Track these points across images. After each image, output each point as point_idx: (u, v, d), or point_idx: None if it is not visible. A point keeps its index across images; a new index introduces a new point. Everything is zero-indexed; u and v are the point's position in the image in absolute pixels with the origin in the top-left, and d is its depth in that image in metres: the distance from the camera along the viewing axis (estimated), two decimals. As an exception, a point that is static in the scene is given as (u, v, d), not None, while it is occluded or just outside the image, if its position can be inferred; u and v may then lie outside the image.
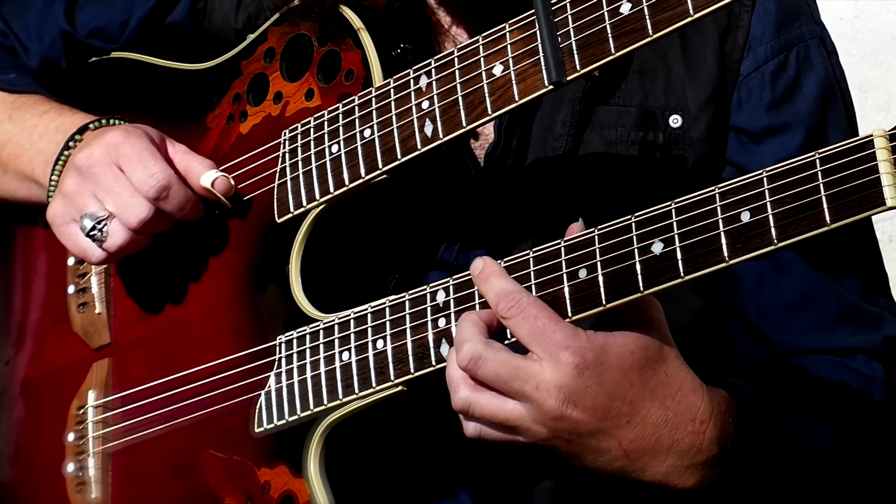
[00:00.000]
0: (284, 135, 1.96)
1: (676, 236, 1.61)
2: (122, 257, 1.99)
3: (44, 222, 2.08)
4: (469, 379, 1.67)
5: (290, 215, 1.92)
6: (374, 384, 1.79)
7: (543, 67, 1.73)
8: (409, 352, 1.77)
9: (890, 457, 1.91)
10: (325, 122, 1.92)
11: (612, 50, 1.69)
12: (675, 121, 1.96)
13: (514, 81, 1.77)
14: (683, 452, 1.67)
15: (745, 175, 1.58)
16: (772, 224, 1.55)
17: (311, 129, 1.93)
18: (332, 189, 1.89)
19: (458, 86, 1.81)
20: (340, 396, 1.82)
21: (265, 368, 1.90)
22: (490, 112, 1.78)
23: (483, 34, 1.81)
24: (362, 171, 1.87)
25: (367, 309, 1.82)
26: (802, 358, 1.95)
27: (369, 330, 1.81)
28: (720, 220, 1.58)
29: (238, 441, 1.91)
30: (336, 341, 1.84)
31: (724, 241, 1.58)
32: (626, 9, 1.68)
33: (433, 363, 1.75)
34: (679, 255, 1.60)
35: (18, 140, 2.13)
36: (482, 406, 1.66)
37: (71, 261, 2.16)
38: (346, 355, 1.83)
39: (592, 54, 1.71)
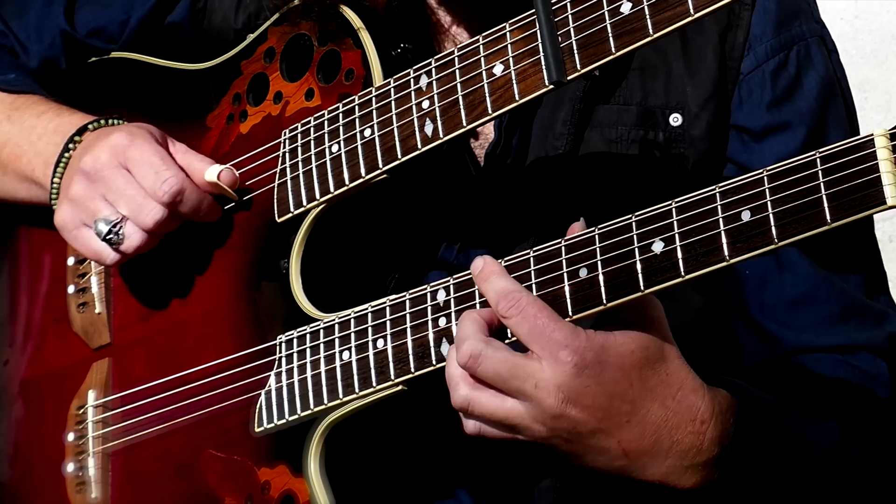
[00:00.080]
0: (284, 134, 1.96)
1: (677, 235, 1.60)
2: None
3: (44, 222, 2.08)
4: (469, 377, 1.67)
5: (290, 215, 1.92)
6: (374, 383, 1.79)
7: (544, 67, 1.73)
8: (410, 351, 1.77)
9: (892, 455, 1.91)
10: (326, 122, 1.92)
11: (613, 49, 1.69)
12: (675, 119, 1.96)
13: (514, 81, 1.77)
14: (683, 452, 1.67)
15: (746, 174, 1.58)
16: (772, 223, 1.55)
17: (312, 129, 1.93)
18: (332, 189, 1.89)
19: (459, 85, 1.81)
20: (341, 396, 1.82)
21: (265, 368, 1.90)
22: (490, 112, 1.78)
23: (483, 34, 1.81)
24: (362, 171, 1.87)
25: (367, 308, 1.82)
26: (805, 356, 1.95)
27: (369, 329, 1.81)
28: (720, 220, 1.58)
29: (238, 441, 1.91)
30: (336, 341, 1.84)
31: (724, 240, 1.58)
32: (626, 8, 1.68)
33: (433, 362, 1.75)
34: (679, 255, 1.60)
35: (17, 141, 2.13)
36: (482, 404, 1.66)
37: (71, 261, 2.16)
38: (346, 355, 1.82)
39: (593, 54, 1.71)
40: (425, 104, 1.83)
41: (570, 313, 1.66)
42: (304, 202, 1.91)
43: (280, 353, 1.89)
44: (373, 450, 1.93)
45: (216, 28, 2.15)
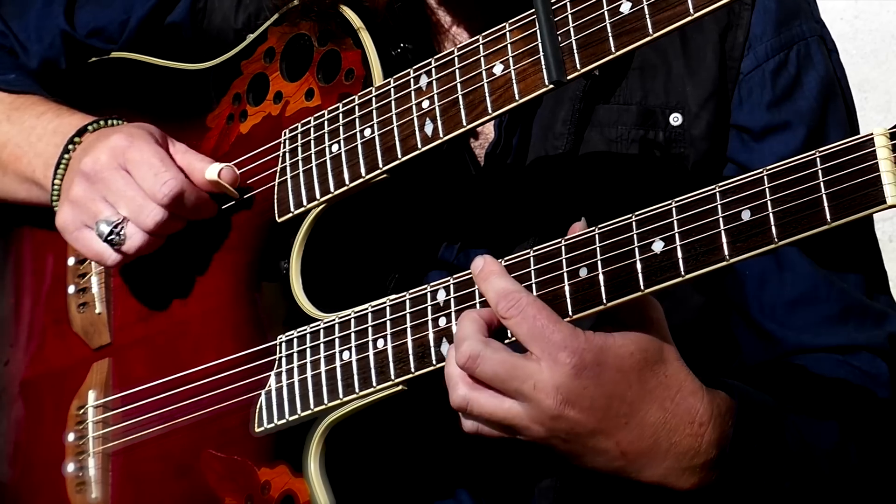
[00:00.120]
0: (284, 134, 1.96)
1: (677, 235, 1.60)
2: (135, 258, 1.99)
3: (44, 223, 2.08)
4: (467, 377, 1.67)
5: (290, 215, 1.92)
6: (374, 383, 1.79)
7: (544, 67, 1.73)
8: (410, 351, 1.77)
9: (892, 456, 1.90)
10: (326, 122, 1.92)
11: (613, 49, 1.69)
12: (675, 119, 1.96)
13: (514, 81, 1.77)
14: (681, 455, 1.67)
15: (746, 174, 1.58)
16: (772, 223, 1.55)
17: (312, 129, 1.93)
18: (332, 188, 1.89)
19: (459, 85, 1.81)
20: (341, 396, 1.82)
21: (265, 368, 1.90)
22: (490, 111, 1.78)
23: (483, 34, 1.81)
24: (363, 171, 1.87)
25: (367, 308, 1.82)
26: (805, 356, 1.94)
27: (370, 329, 1.81)
28: (720, 219, 1.58)
29: (238, 441, 1.91)
30: (336, 341, 1.84)
31: (724, 239, 1.57)
32: (626, 8, 1.68)
33: (434, 362, 1.75)
34: (679, 254, 1.60)
35: (17, 142, 2.13)
36: (480, 404, 1.67)
37: (71, 261, 2.16)
38: (346, 354, 1.82)
39: (593, 53, 1.71)
40: (425, 104, 1.83)
41: (571, 313, 1.66)
42: (305, 202, 1.91)
43: (280, 353, 1.89)
44: (373, 450, 1.92)
45: (216, 28, 2.15)
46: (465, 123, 1.80)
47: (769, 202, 1.55)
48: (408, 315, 1.78)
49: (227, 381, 1.94)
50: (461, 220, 1.97)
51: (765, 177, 1.56)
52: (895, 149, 1.49)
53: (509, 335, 1.69)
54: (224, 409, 1.93)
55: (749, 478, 1.73)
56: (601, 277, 1.65)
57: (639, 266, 1.62)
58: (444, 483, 1.96)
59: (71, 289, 2.15)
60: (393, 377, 1.78)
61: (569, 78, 1.72)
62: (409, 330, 1.78)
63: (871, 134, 1.51)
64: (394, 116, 1.85)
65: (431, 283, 1.77)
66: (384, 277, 1.95)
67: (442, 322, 1.75)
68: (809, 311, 1.95)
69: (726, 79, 1.98)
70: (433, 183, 1.97)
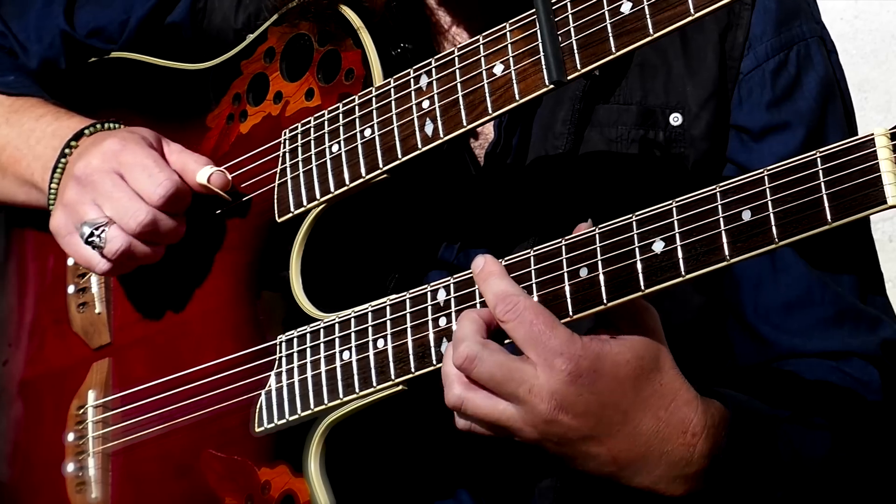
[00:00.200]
0: (284, 134, 1.96)
1: (677, 235, 1.60)
2: (131, 269, 1.98)
3: (43, 223, 2.08)
4: (463, 377, 1.67)
5: (290, 215, 1.92)
6: (374, 383, 1.79)
7: (544, 67, 1.73)
8: (410, 351, 1.77)
9: (884, 463, 1.91)
10: (326, 122, 1.92)
11: (613, 49, 1.69)
12: (675, 119, 1.96)
13: (514, 81, 1.77)
14: (673, 464, 1.68)
15: (746, 174, 1.58)
16: (773, 223, 1.55)
17: (312, 129, 1.93)
18: (332, 188, 1.89)
19: (459, 85, 1.81)
20: (341, 396, 1.82)
21: (265, 368, 1.90)
22: (490, 111, 1.78)
23: (483, 34, 1.80)
24: (363, 171, 1.87)
25: (367, 308, 1.82)
26: (798, 361, 1.95)
27: (370, 329, 1.81)
28: (721, 219, 1.58)
29: (238, 441, 1.91)
30: (336, 340, 1.84)
31: (724, 239, 1.58)
32: (626, 8, 1.68)
33: (434, 362, 1.75)
34: (680, 254, 1.60)
35: (16, 144, 2.13)
36: (475, 405, 1.67)
37: (71, 261, 2.15)
38: (346, 354, 1.82)
39: (593, 53, 1.71)
40: (425, 104, 1.83)
41: (571, 313, 1.66)
42: (305, 202, 1.91)
43: (280, 352, 1.89)
44: (373, 450, 1.92)
45: (216, 28, 2.15)
46: (465, 123, 1.80)
47: (770, 202, 1.55)
48: (408, 315, 1.78)
49: (227, 381, 1.94)
50: (461, 220, 1.97)
51: (765, 177, 1.56)
52: (895, 149, 1.49)
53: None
54: (224, 409, 1.93)
55: (741, 487, 1.73)
56: (601, 277, 1.65)
57: (639, 266, 1.62)
58: (444, 483, 1.96)
59: (71, 289, 2.15)
60: (393, 377, 1.78)
61: (569, 78, 1.72)
62: (409, 330, 1.78)
63: (872, 134, 1.51)
64: (394, 116, 1.85)
65: (431, 283, 1.77)
66: (384, 277, 1.95)
67: (442, 322, 1.75)
68: (804, 315, 1.95)
69: (726, 79, 1.98)
70: (433, 183, 1.96)
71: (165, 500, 1.99)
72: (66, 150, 2.04)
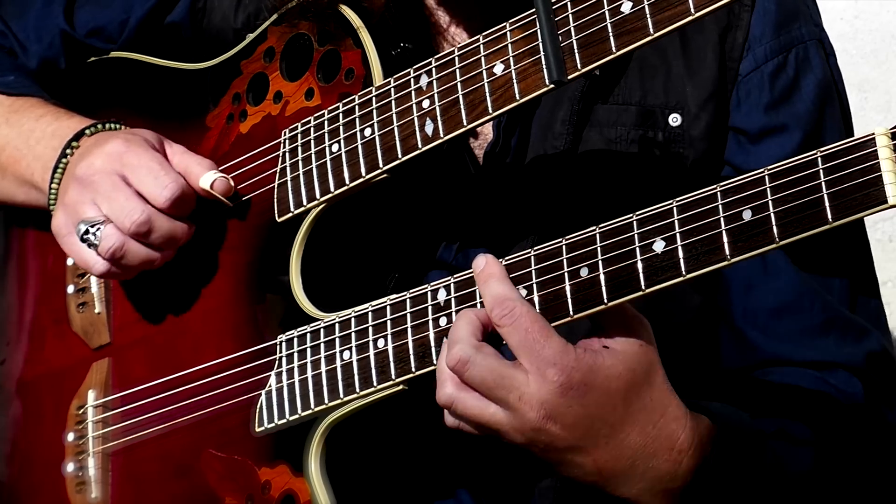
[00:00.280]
0: (284, 134, 1.96)
1: (678, 235, 1.60)
2: (133, 275, 1.98)
3: (42, 223, 2.08)
4: (456, 377, 1.67)
5: (290, 214, 1.92)
6: (375, 383, 1.79)
7: (544, 66, 1.73)
8: (411, 351, 1.77)
9: (865, 475, 1.91)
10: (326, 122, 1.92)
11: (613, 49, 1.69)
12: (674, 119, 1.96)
13: (514, 80, 1.76)
14: (657, 478, 1.68)
15: (747, 173, 1.58)
16: (773, 223, 1.55)
17: (312, 129, 1.93)
18: (332, 188, 1.89)
19: (459, 85, 1.81)
20: (341, 395, 1.82)
21: (265, 368, 1.90)
22: (491, 111, 1.78)
23: (483, 33, 1.80)
24: (363, 171, 1.87)
25: (367, 308, 1.82)
26: (783, 370, 1.95)
27: (370, 329, 1.81)
28: (722, 219, 1.58)
29: (238, 441, 1.90)
30: (337, 340, 1.84)
31: (725, 239, 1.57)
32: (626, 7, 1.68)
33: (434, 362, 1.74)
34: (681, 254, 1.60)
35: (16, 144, 2.13)
36: (465, 405, 1.67)
37: (70, 260, 2.15)
38: (346, 354, 1.82)
39: (593, 53, 1.71)
40: (425, 103, 1.83)
41: (572, 313, 1.66)
42: (305, 202, 1.91)
43: (280, 352, 1.89)
44: (373, 450, 1.92)
45: (216, 28, 2.15)
46: (465, 123, 1.80)
47: (770, 202, 1.55)
48: (408, 315, 1.78)
49: (227, 381, 1.94)
50: (460, 219, 1.97)
51: (766, 176, 1.56)
52: (895, 148, 1.49)
53: (507, 338, 1.69)
54: (224, 409, 1.93)
55: (725, 502, 1.74)
56: (602, 277, 1.65)
57: (640, 266, 1.62)
58: (444, 483, 1.96)
59: (70, 288, 2.15)
60: (394, 377, 1.78)
61: (569, 78, 1.72)
62: (409, 330, 1.78)
63: (873, 134, 1.51)
64: (394, 116, 1.85)
65: (432, 283, 1.77)
66: (384, 277, 1.95)
67: (443, 322, 1.75)
68: (791, 321, 1.95)
69: (726, 80, 1.97)
70: (432, 183, 1.96)
71: (165, 500, 1.99)
72: (67, 151, 2.04)
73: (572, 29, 1.72)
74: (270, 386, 1.89)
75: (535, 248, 1.70)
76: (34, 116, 2.13)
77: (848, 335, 1.96)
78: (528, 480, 1.94)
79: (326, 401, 1.83)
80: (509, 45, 1.77)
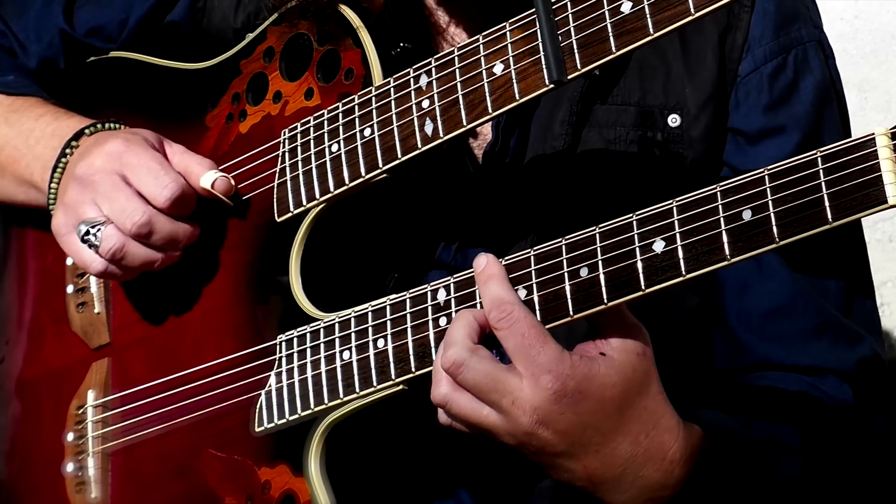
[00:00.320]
0: (284, 134, 1.96)
1: (678, 235, 1.60)
2: (134, 277, 1.98)
3: (42, 223, 2.08)
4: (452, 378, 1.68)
5: (289, 214, 1.92)
6: (375, 383, 1.79)
7: (544, 66, 1.73)
8: (410, 351, 1.77)
9: (854, 482, 1.91)
10: (325, 122, 1.91)
11: (613, 49, 1.69)
12: (673, 120, 1.96)
13: (514, 80, 1.76)
14: (647, 487, 1.69)
15: (747, 173, 1.58)
16: (773, 222, 1.55)
17: (311, 129, 1.93)
18: (332, 188, 1.89)
19: (459, 85, 1.81)
20: (341, 395, 1.82)
21: (265, 368, 1.90)
22: (490, 111, 1.78)
23: (483, 33, 1.80)
24: (362, 171, 1.87)
25: (367, 308, 1.82)
26: (774, 374, 1.95)
27: (370, 329, 1.81)
28: (722, 219, 1.58)
29: (238, 441, 1.90)
30: (336, 340, 1.84)
31: (725, 239, 1.57)
32: (626, 7, 1.68)
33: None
34: (680, 254, 1.60)
35: (15, 144, 2.13)
36: (459, 406, 1.68)
37: (70, 260, 2.15)
38: (346, 354, 1.82)
39: (593, 53, 1.71)
40: (425, 103, 1.83)
41: (571, 313, 1.66)
42: (304, 202, 1.91)
43: (280, 352, 1.89)
44: (373, 449, 1.92)
45: (215, 27, 2.15)
46: (465, 123, 1.80)
47: (770, 202, 1.55)
48: (408, 315, 1.78)
49: (226, 381, 1.94)
50: (459, 219, 1.97)
51: (766, 176, 1.56)
52: (895, 148, 1.49)
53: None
54: (224, 409, 1.93)
55: None
56: (602, 277, 1.65)
57: (640, 266, 1.62)
58: (444, 483, 1.96)
59: (70, 288, 2.15)
60: (393, 377, 1.78)
61: (569, 77, 1.72)
62: (409, 330, 1.78)
63: (872, 134, 1.51)
64: (394, 116, 1.85)
65: (432, 283, 1.77)
66: (384, 277, 1.95)
67: (443, 322, 1.75)
68: (784, 324, 1.95)
69: (725, 81, 1.97)
70: (432, 182, 1.96)
71: (165, 500, 1.99)
72: (67, 151, 2.04)
73: (572, 29, 1.72)
74: (270, 386, 1.89)
75: (535, 248, 1.70)
76: (34, 116, 2.13)
77: (840, 340, 1.96)
78: (528, 480, 1.94)
79: (326, 401, 1.83)
80: (509, 45, 1.77)
